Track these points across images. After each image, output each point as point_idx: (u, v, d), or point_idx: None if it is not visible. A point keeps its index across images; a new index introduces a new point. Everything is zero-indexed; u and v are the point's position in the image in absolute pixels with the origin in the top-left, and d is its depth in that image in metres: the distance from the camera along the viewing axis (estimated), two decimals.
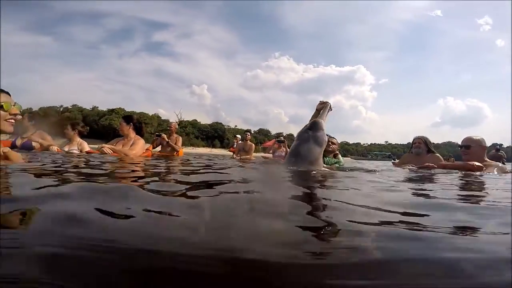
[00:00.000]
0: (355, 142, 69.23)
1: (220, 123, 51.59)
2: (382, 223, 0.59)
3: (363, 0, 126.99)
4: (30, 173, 1.15)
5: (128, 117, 3.16)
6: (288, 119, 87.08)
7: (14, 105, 1.42)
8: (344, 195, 1.01)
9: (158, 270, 0.34)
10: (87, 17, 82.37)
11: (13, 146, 3.20)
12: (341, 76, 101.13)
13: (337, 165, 2.78)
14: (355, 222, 0.58)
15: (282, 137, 6.04)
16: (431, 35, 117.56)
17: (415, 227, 0.56)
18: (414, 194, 1.15)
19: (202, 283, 0.33)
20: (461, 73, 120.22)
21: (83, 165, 1.69)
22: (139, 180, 1.12)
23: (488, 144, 2.81)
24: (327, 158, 2.81)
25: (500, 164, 2.67)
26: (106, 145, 2.84)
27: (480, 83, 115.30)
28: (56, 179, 1.00)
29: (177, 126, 5.24)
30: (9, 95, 1.44)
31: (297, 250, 0.43)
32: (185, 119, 46.87)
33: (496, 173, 2.48)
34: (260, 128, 57.39)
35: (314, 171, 1.90)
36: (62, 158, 2.05)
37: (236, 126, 53.90)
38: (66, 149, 3.08)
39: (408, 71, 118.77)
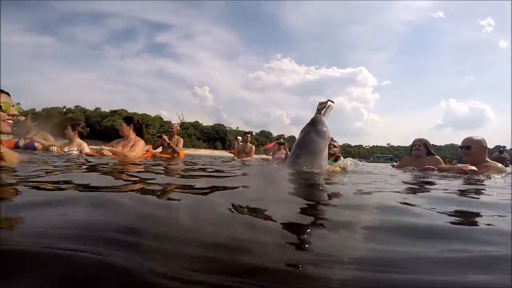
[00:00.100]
0: (357, 144, 69.06)
1: (222, 125, 51.72)
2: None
3: (365, 0, 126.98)
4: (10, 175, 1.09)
5: (129, 118, 3.18)
6: (290, 121, 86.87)
7: (13, 106, 1.44)
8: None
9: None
10: (89, 18, 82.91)
11: (16, 147, 3.25)
12: (343, 78, 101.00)
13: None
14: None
15: (282, 139, 6.05)
16: (433, 36, 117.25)
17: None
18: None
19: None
20: (463, 74, 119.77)
21: (74, 168, 1.65)
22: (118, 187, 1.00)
23: (491, 146, 2.77)
24: (329, 162, 2.81)
25: (500, 165, 2.63)
26: (106, 147, 2.85)
27: (483, 84, 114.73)
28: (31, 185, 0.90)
29: (178, 128, 5.25)
30: (9, 95, 1.45)
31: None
32: (187, 121, 47.03)
33: (498, 175, 2.42)
34: (262, 130, 57.45)
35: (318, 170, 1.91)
36: (57, 159, 2.06)
37: (237, 127, 54.02)
38: (66, 149, 3.11)
39: (410, 72, 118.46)
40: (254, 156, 6.24)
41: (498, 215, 0.79)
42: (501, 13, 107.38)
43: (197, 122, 49.41)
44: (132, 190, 0.89)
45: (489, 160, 2.70)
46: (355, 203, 0.95)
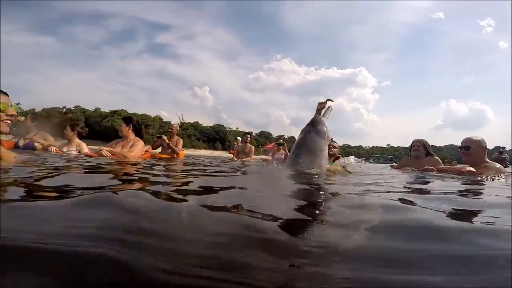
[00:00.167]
0: (357, 145, 69.07)
1: (222, 125, 51.74)
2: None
3: (365, 0, 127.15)
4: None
5: (128, 119, 3.17)
6: (290, 122, 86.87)
7: (11, 106, 1.44)
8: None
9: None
10: (89, 18, 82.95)
11: (16, 147, 3.27)
12: (342, 79, 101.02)
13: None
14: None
15: (281, 140, 6.06)
16: (433, 37, 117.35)
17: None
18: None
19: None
20: (463, 75, 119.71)
21: (71, 168, 1.63)
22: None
23: (491, 147, 2.74)
24: (329, 162, 2.82)
25: (498, 165, 2.62)
26: (105, 148, 2.85)
27: (482, 85, 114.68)
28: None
29: (178, 128, 5.26)
30: (7, 95, 1.45)
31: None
32: (187, 121, 47.05)
33: (497, 176, 2.42)
34: (262, 131, 57.44)
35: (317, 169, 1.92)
36: (55, 160, 2.05)
37: (237, 128, 54.06)
38: (64, 150, 3.11)
39: (410, 73, 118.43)
40: (254, 156, 6.25)
41: (492, 215, 0.79)
42: (501, 14, 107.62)
43: (197, 122, 49.44)
44: (128, 189, 0.89)
45: (488, 160, 2.68)
46: (356, 202, 0.95)
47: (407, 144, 3.26)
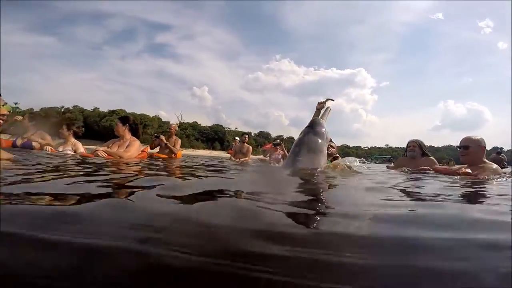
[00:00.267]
0: (356, 145, 69.16)
1: (221, 125, 51.66)
2: None
3: (365, 0, 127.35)
4: None
5: (124, 118, 3.16)
6: (289, 122, 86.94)
7: (3, 105, 1.44)
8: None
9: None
10: (90, 18, 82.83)
11: (13, 146, 3.29)
12: (341, 79, 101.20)
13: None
14: None
15: (278, 140, 6.08)
16: (432, 37, 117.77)
17: None
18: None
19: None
20: (462, 76, 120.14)
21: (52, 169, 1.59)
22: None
23: (489, 147, 2.71)
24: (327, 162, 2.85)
25: (495, 166, 2.58)
26: (101, 148, 2.83)
27: (481, 86, 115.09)
28: None
29: (177, 128, 5.25)
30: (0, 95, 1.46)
31: None
32: (186, 121, 46.98)
33: (493, 176, 2.40)
34: (261, 131, 57.42)
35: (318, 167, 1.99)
36: (48, 159, 2.04)
37: (236, 128, 53.96)
38: (60, 149, 3.10)
39: (409, 73, 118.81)
40: (252, 156, 6.26)
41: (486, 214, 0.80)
42: (500, 14, 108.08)
43: (196, 122, 49.35)
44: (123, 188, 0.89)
45: (486, 161, 2.65)
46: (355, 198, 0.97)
47: (405, 144, 3.27)
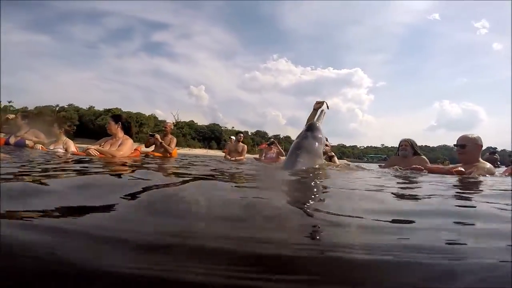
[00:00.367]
0: (352, 145, 69.51)
1: (217, 125, 51.49)
2: None
3: (362, 0, 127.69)
4: None
5: (117, 116, 3.13)
6: (286, 121, 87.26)
7: None
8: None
9: None
10: (86, 16, 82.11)
11: (6, 144, 3.27)
12: (338, 79, 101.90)
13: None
14: None
15: (272, 139, 6.08)
16: (428, 38, 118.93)
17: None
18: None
19: None
20: (457, 76, 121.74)
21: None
22: None
23: (484, 147, 2.71)
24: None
25: (489, 165, 2.60)
26: (92, 147, 2.80)
27: (476, 86, 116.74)
28: None
29: (172, 127, 5.21)
30: None
31: None
32: (182, 120, 46.77)
33: (487, 176, 2.41)
34: (258, 130, 57.35)
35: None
36: (29, 157, 2.02)
37: (233, 127, 53.82)
38: (51, 147, 3.07)
39: (405, 74, 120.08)
40: (248, 155, 6.27)
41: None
42: (496, 15, 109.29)
43: (193, 121, 49.13)
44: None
45: (481, 160, 2.67)
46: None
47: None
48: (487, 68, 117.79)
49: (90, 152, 2.70)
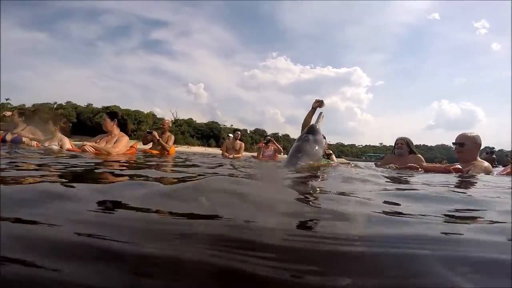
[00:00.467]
0: (350, 143, 69.57)
1: (216, 122, 51.40)
2: None
3: (362, 0, 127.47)
4: None
5: (113, 113, 3.11)
6: (284, 120, 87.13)
7: None
8: None
9: None
10: (84, 14, 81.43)
11: (3, 141, 3.27)
12: (337, 78, 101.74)
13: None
14: None
15: (269, 137, 6.08)
16: (428, 38, 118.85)
17: None
18: None
19: None
20: (456, 76, 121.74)
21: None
22: None
23: (481, 147, 2.72)
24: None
25: (486, 164, 2.61)
26: (88, 143, 2.79)
27: (474, 86, 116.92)
28: None
29: (170, 124, 5.18)
30: None
31: None
32: (181, 118, 46.68)
33: (483, 174, 2.41)
34: (256, 128, 57.27)
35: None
36: (31, 155, 2.02)
37: (232, 125, 53.72)
38: (46, 144, 3.05)
39: (404, 73, 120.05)
40: (246, 153, 6.26)
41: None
42: (497, 15, 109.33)
43: (191, 119, 49.03)
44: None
45: (479, 158, 2.67)
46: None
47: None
48: (486, 68, 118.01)
49: (86, 148, 2.70)
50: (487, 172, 2.51)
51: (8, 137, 3.38)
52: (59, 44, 75.61)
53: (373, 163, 4.77)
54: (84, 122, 34.65)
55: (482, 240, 0.47)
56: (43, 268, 0.30)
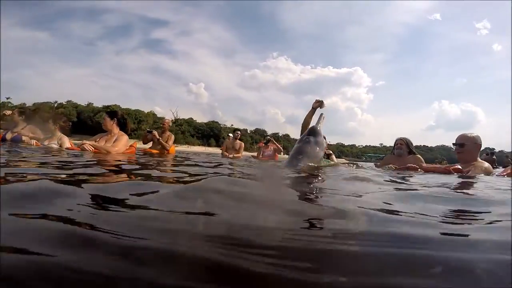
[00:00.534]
0: (350, 144, 69.62)
1: (216, 122, 51.48)
2: None
3: (362, 0, 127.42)
4: None
5: (112, 112, 3.11)
6: (285, 120, 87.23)
7: None
8: None
9: None
10: (85, 13, 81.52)
11: (3, 140, 3.28)
12: (338, 78, 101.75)
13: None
14: None
15: (268, 137, 6.08)
16: (429, 38, 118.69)
17: None
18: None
19: None
20: (456, 76, 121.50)
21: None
22: None
23: (482, 148, 2.71)
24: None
25: (487, 165, 2.59)
26: (88, 142, 2.79)
27: (475, 87, 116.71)
28: None
29: (170, 124, 5.17)
30: None
31: None
32: (181, 117, 46.73)
33: (483, 175, 2.39)
34: (257, 128, 57.31)
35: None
36: (31, 153, 2.02)
37: (232, 125, 53.77)
38: (46, 143, 3.06)
39: (404, 73, 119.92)
40: (246, 153, 6.26)
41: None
42: (498, 16, 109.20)
43: (192, 118, 49.09)
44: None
45: (479, 159, 2.65)
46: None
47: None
48: (487, 69, 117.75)
49: (85, 147, 2.70)
50: (487, 173, 2.50)
51: (8, 136, 3.38)
52: (59, 43, 75.95)
53: (373, 163, 4.76)
54: (85, 121, 34.75)
55: (482, 240, 0.47)
56: (44, 255, 0.32)
